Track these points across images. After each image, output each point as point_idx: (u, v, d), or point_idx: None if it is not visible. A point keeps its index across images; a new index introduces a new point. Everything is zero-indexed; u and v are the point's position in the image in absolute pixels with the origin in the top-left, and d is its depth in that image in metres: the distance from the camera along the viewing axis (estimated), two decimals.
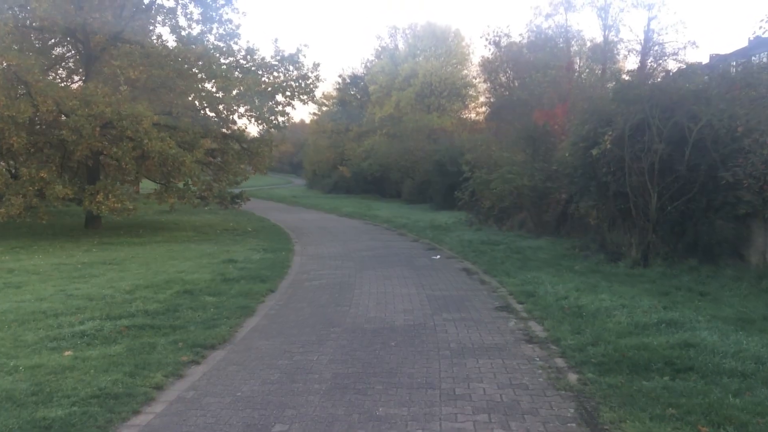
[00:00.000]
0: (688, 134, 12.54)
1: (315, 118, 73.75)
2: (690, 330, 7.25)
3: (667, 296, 9.63)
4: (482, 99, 53.36)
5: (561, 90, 26.59)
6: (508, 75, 47.15)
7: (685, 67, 16.61)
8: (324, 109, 72.31)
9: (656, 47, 38.76)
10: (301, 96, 22.37)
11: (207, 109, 21.61)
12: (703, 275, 11.58)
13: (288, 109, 22.65)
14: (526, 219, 20.88)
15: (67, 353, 6.77)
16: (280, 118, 22.21)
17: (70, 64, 24.67)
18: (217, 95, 21.44)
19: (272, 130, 22.75)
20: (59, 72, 25.70)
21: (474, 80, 53.85)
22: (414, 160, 43.37)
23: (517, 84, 44.69)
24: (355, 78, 68.68)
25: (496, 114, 39.81)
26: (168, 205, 20.46)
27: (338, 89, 69.92)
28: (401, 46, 60.25)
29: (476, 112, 56.32)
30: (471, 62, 56.10)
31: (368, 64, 66.02)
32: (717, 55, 40.26)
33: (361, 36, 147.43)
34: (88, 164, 20.01)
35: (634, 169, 13.51)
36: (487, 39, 45.85)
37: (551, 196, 20.15)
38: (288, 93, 22.23)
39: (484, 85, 51.11)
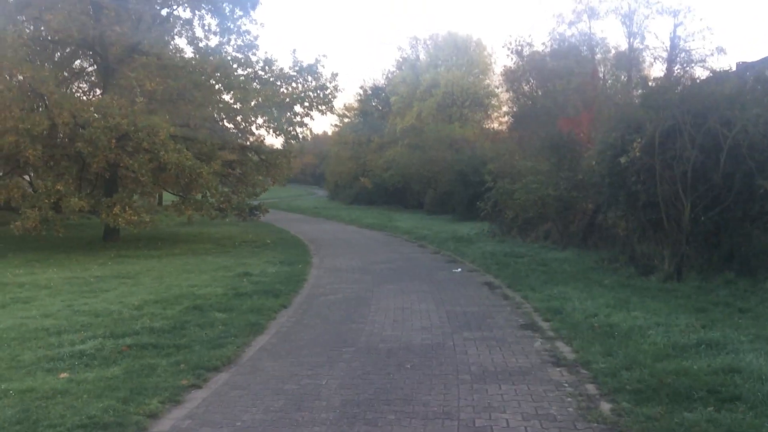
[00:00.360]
0: (722, 141, 11.91)
1: (336, 129, 73.71)
2: (733, 352, 6.64)
3: (704, 313, 8.99)
4: (505, 109, 52.79)
5: (586, 97, 25.95)
6: (531, 84, 46.55)
7: (717, 71, 15.97)
8: (345, 120, 72.26)
9: (683, 54, 37.88)
10: (319, 107, 22.04)
11: (225, 121, 21.35)
12: (741, 289, 10.90)
13: (306, 119, 22.33)
14: (551, 230, 20.25)
15: (62, 375, 6.38)
16: (299, 129, 21.94)
17: (92, 78, 24.67)
18: (235, 106, 21.18)
19: (291, 141, 22.42)
20: (81, 85, 25.74)
21: (496, 90, 53.28)
22: (436, 170, 42.86)
23: (540, 93, 44.12)
24: (376, 89, 68.49)
25: (518, 123, 39.20)
26: (186, 218, 20.15)
27: (359, 100, 69.74)
28: (422, 56, 59.93)
29: (498, 121, 55.70)
30: (493, 72, 55.57)
31: (389, 75, 65.81)
32: (744, 62, 39.28)
33: (382, 47, 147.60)
34: (106, 176, 19.83)
35: (665, 177, 12.88)
36: (509, 48, 45.39)
37: (577, 206, 19.51)
38: (306, 104, 21.91)
39: (507, 95, 50.55)
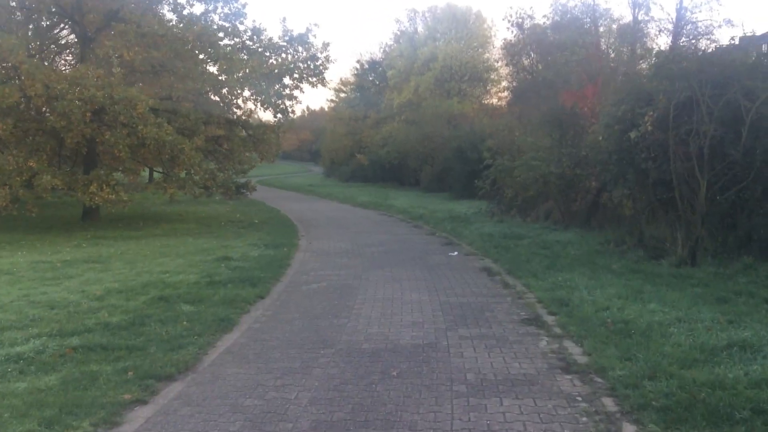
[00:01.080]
0: (744, 114, 10.88)
1: (332, 104, 72.36)
2: None
3: (727, 305, 8.03)
4: (504, 83, 51.53)
5: (590, 70, 24.77)
6: (531, 58, 45.34)
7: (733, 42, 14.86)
8: (342, 95, 70.92)
9: (689, 26, 36.62)
10: (310, 78, 20.91)
11: (211, 94, 20.19)
12: (762, 276, 9.94)
13: (296, 92, 21.20)
14: (552, 209, 19.26)
15: None
16: (288, 102, 20.83)
17: (75, 50, 23.48)
18: (221, 78, 20.05)
19: (280, 114, 21.32)
20: (67, 58, 24.58)
21: (496, 64, 51.96)
22: (433, 147, 41.81)
23: (540, 67, 42.95)
24: (373, 63, 67.02)
25: (519, 97, 38.01)
26: (168, 196, 19.12)
27: (356, 75, 68.29)
28: (420, 29, 58.42)
29: (498, 97, 54.46)
30: (493, 45, 54.20)
31: (387, 48, 64.37)
32: (749, 35, 38.03)
33: (380, 20, 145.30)
34: (83, 153, 18.74)
35: (679, 154, 11.89)
36: (509, 21, 44.13)
37: (580, 184, 18.51)
38: (296, 75, 20.77)
39: (506, 70, 49.29)
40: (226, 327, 7.44)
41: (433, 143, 41.54)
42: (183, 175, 20.11)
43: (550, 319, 7.60)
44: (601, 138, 14.61)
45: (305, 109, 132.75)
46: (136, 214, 23.24)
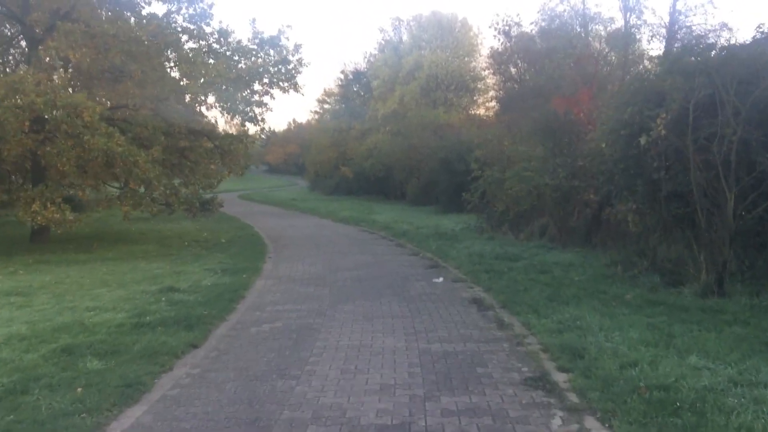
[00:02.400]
0: None
1: (316, 116, 70.77)
2: None
3: None
4: (492, 93, 50.06)
5: (585, 73, 23.19)
6: (519, 66, 44.03)
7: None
8: (326, 106, 69.41)
9: (683, 31, 35.27)
10: (280, 83, 19.12)
11: (173, 101, 18.33)
12: None
13: (266, 99, 19.39)
14: (548, 225, 17.52)
15: None
16: (257, 110, 19.00)
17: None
18: (183, 83, 18.22)
19: (247, 123, 19.51)
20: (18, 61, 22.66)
21: (483, 72, 50.47)
22: (419, 158, 40.14)
23: (528, 76, 41.62)
24: (357, 74, 65.53)
25: (507, 106, 36.40)
26: (122, 213, 17.19)
27: (340, 86, 66.88)
28: (405, 38, 56.93)
29: (485, 107, 53.00)
30: (480, 54, 52.81)
31: (371, 58, 62.89)
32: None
33: (365, 30, 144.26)
34: (27, 167, 16.79)
35: (698, 162, 10.19)
36: (495, 29, 42.74)
37: (578, 197, 16.82)
38: (266, 80, 18.99)
39: (494, 78, 47.88)
40: (132, 396, 5.57)
41: (419, 155, 39.89)
42: (141, 190, 18.23)
43: (561, 379, 5.79)
44: (604, 145, 12.89)
45: (291, 122, 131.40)
46: (93, 233, 21.30)
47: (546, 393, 5.46)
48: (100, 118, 15.74)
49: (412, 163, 40.94)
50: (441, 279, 11.50)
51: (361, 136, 54.57)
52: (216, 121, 20.77)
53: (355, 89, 65.74)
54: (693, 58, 10.55)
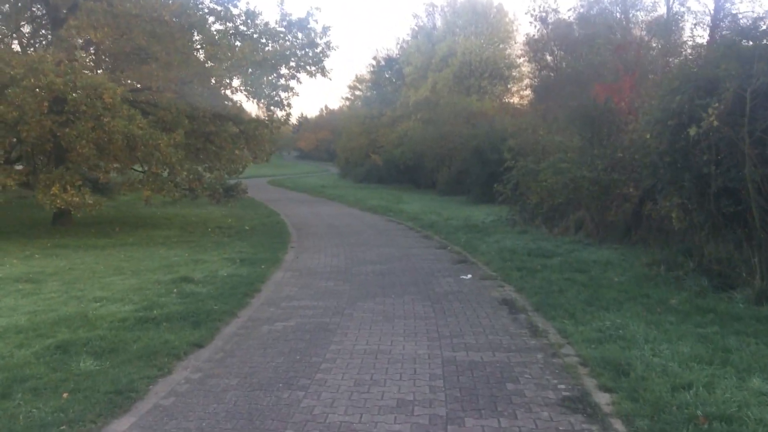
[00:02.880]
0: None
1: (348, 102, 70.14)
2: None
3: None
4: (527, 81, 48.85)
5: (626, 60, 22.15)
6: (555, 54, 42.82)
7: None
8: (357, 93, 68.71)
9: (728, 19, 33.78)
10: (307, 67, 18.50)
11: (197, 84, 17.82)
12: None
13: (293, 83, 18.79)
14: (584, 220, 16.65)
15: None
16: (283, 94, 18.42)
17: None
18: (208, 66, 17.71)
19: (272, 108, 18.94)
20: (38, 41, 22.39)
21: (518, 60, 49.24)
22: (450, 147, 39.33)
23: (565, 64, 40.50)
24: (390, 60, 64.58)
25: (543, 94, 35.33)
26: (143, 198, 16.79)
27: (372, 72, 66.01)
28: (439, 24, 55.88)
29: (520, 95, 51.78)
30: (515, 41, 51.57)
31: (404, 44, 61.91)
32: None
33: (398, 16, 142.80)
34: (47, 149, 16.45)
35: (754, 156, 9.32)
36: (532, 15, 41.52)
37: (617, 191, 15.92)
38: (292, 63, 18.38)
39: (529, 66, 46.69)
40: (121, 405, 5.02)
41: (451, 143, 39.07)
42: (165, 174, 17.84)
43: (604, 401, 5.08)
44: (648, 136, 12.01)
45: (324, 108, 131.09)
46: (117, 217, 21.05)
47: (587, 418, 4.76)
48: (122, 100, 15.36)
49: (443, 151, 40.15)
50: (469, 276, 10.80)
51: (391, 123, 53.79)
52: (241, 106, 19.97)
53: (387, 76, 64.84)
54: (751, 42, 9.63)
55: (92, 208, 15.44)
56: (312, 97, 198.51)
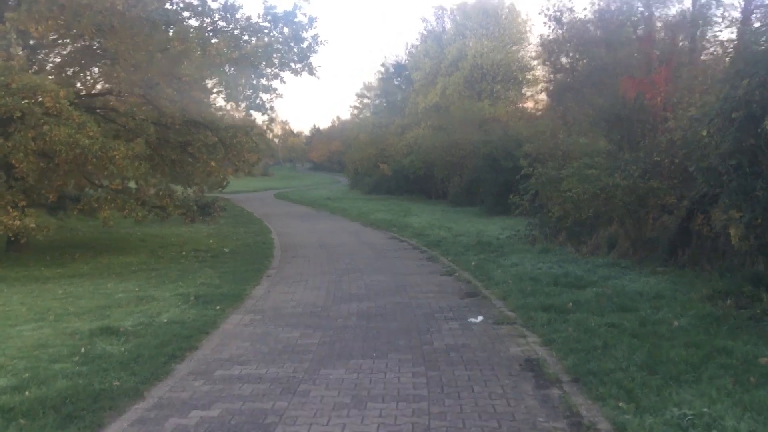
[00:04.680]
0: None
1: (355, 111, 68.01)
2: None
3: None
4: (541, 85, 46.30)
5: (662, 50, 19.63)
6: (570, 56, 40.38)
7: None
8: (365, 101, 66.55)
9: (758, 11, 31.09)
10: (292, 64, 16.13)
11: (163, 85, 15.44)
12: None
13: (275, 83, 16.40)
14: (617, 236, 14.09)
15: None
16: (264, 96, 16.05)
17: None
18: (177, 65, 15.35)
19: (251, 112, 16.60)
20: None
21: (532, 62, 46.72)
22: (462, 155, 36.84)
23: (580, 67, 38.13)
24: (398, 67, 62.36)
25: (559, 97, 32.73)
26: (101, 220, 14.43)
27: (380, 79, 63.81)
28: (448, 27, 53.55)
29: (534, 99, 49.22)
30: (528, 42, 49.11)
31: (412, 50, 59.52)
32: None
33: (406, 22, 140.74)
34: None
35: None
36: (546, 15, 38.93)
37: (657, 201, 13.37)
38: (275, 60, 16.02)
39: (543, 69, 44.20)
40: None
41: (462, 151, 36.59)
42: (133, 188, 15.55)
43: None
44: (705, 133, 9.49)
45: (335, 119, 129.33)
46: (83, 241, 18.76)
47: None
48: (71, 106, 13.08)
49: (454, 159, 37.67)
50: (480, 318, 8.29)
51: (400, 132, 51.47)
52: (220, 111, 17.64)
53: (396, 83, 62.66)
54: None
55: (35, 232, 13.12)
56: (324, 109, 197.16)
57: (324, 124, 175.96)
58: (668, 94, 15.97)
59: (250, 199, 47.11)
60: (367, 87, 65.15)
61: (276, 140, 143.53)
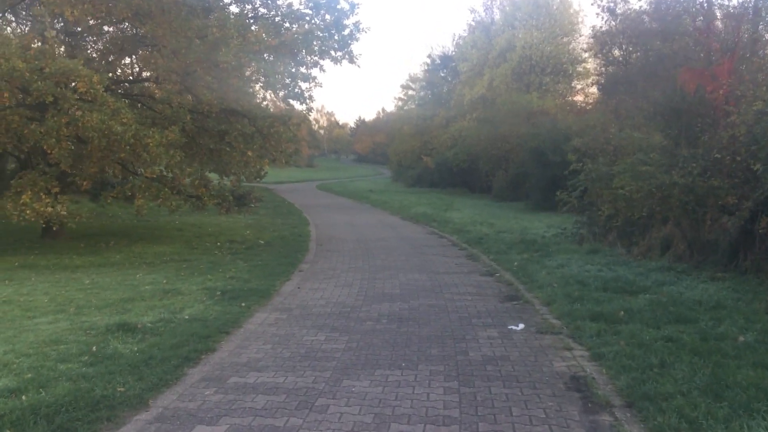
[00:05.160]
0: None
1: (400, 103, 67.33)
2: None
3: None
4: (592, 78, 44.80)
5: (725, 41, 18.49)
6: (624, 48, 38.97)
7: None
8: (410, 92, 65.80)
9: None
10: (331, 51, 15.60)
11: (201, 72, 15.08)
12: None
13: (315, 71, 15.91)
14: (672, 237, 13.17)
15: None
16: (303, 85, 15.57)
17: None
18: (220, 51, 14.97)
19: (289, 101, 16.12)
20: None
21: (583, 54, 45.24)
22: (508, 148, 35.95)
23: (634, 59, 36.77)
24: (445, 58, 61.38)
25: (611, 90, 31.45)
26: (134, 208, 14.19)
27: (426, 70, 62.92)
28: (497, 17, 52.23)
29: (584, 93, 47.72)
30: (580, 34, 47.59)
31: (459, 41, 58.43)
32: None
33: (455, 13, 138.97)
34: (25, 149, 14.00)
35: None
36: (599, 6, 37.60)
37: (717, 201, 12.41)
38: (315, 47, 15.51)
39: (594, 62, 42.75)
40: None
41: (508, 144, 35.69)
42: (169, 176, 15.27)
43: None
44: None
45: (381, 111, 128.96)
46: (121, 228, 18.65)
47: None
48: (106, 91, 12.85)
49: (499, 153, 36.79)
50: (521, 326, 7.62)
51: (445, 124, 50.67)
52: (258, 99, 17.23)
53: (442, 75, 61.68)
54: None
55: (68, 220, 12.93)
56: (370, 100, 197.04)
57: (369, 115, 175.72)
58: (731, 86, 14.92)
59: (293, 189, 47.00)
60: (413, 78, 64.30)
61: (321, 131, 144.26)
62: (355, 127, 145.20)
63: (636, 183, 13.23)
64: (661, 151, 15.20)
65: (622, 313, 7.88)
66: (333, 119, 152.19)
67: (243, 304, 8.71)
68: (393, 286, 10.30)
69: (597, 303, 8.47)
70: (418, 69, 71.12)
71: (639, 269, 11.27)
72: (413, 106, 63.23)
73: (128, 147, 12.71)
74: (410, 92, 64.19)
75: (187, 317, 7.95)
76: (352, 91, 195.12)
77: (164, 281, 10.60)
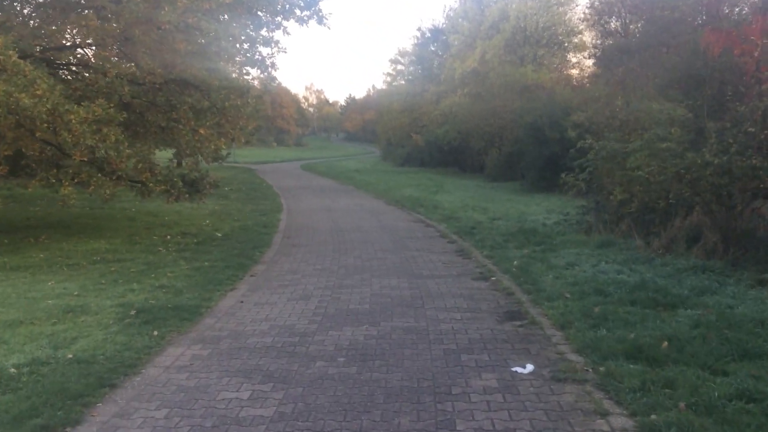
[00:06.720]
0: None
1: (389, 78, 64.82)
2: None
3: None
4: (589, 51, 42.53)
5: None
6: (622, 18, 36.91)
7: None
8: (399, 67, 63.35)
9: None
10: (296, 10, 13.30)
11: (140, 36, 12.74)
12: None
13: (277, 35, 13.60)
14: (701, 227, 11.03)
15: None
16: (263, 50, 13.28)
17: None
18: (162, 10, 12.63)
19: (250, 69, 13.84)
20: None
21: (579, 25, 42.93)
22: (501, 124, 33.76)
23: (637, 26, 34.77)
24: (435, 31, 58.80)
25: (614, 57, 29.14)
26: (60, 199, 11.95)
27: (416, 45, 60.37)
28: None
29: (579, 66, 45.48)
30: (576, 3, 45.31)
31: (450, 13, 55.88)
32: None
33: None
34: None
35: None
36: None
37: (760, 184, 10.31)
38: (278, 6, 13.20)
39: (590, 34, 40.56)
40: None
41: (502, 120, 33.48)
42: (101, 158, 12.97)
43: None
44: None
45: (371, 88, 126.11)
46: (65, 217, 16.38)
47: None
48: (24, 58, 10.58)
49: (492, 129, 34.58)
50: (529, 368, 5.48)
51: (435, 100, 48.35)
52: (223, 70, 14.89)
53: (432, 49, 59.11)
54: None
55: None
56: (360, 78, 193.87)
57: (360, 93, 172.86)
58: (765, 49, 12.78)
59: (276, 170, 44.77)
60: (402, 53, 61.68)
61: (311, 110, 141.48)
62: (345, 105, 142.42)
63: (656, 163, 11.12)
64: (682, 125, 13.07)
65: (666, 344, 5.77)
66: (323, 97, 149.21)
67: (156, 333, 6.53)
68: (362, 298, 8.14)
69: (627, 325, 6.36)
70: (407, 43, 68.34)
71: (666, 269, 9.17)
72: (402, 82, 60.84)
73: (45, 125, 10.45)
74: (399, 67, 61.71)
75: (71, 356, 5.79)
76: (343, 69, 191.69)
77: (76, 293, 8.42)
